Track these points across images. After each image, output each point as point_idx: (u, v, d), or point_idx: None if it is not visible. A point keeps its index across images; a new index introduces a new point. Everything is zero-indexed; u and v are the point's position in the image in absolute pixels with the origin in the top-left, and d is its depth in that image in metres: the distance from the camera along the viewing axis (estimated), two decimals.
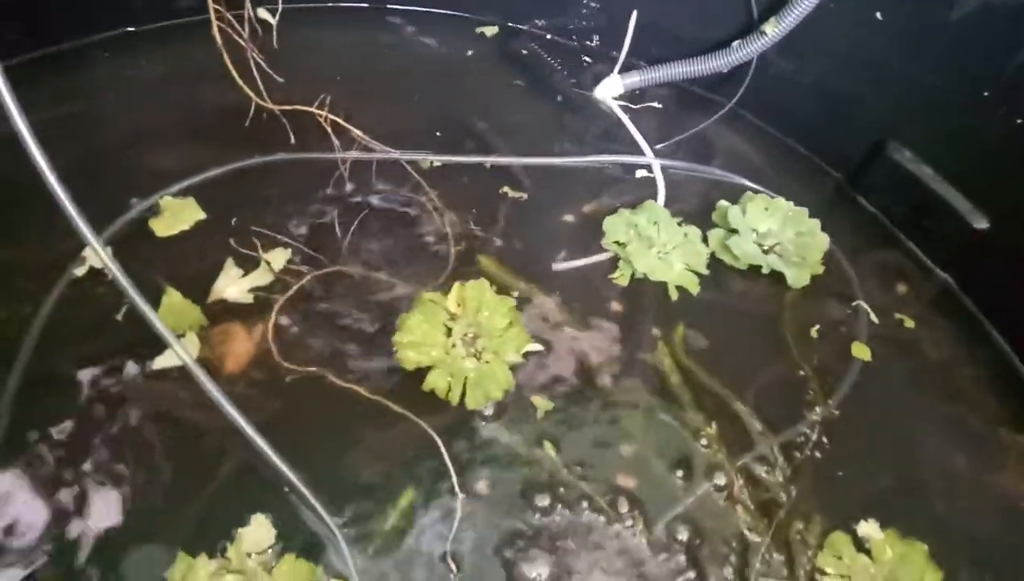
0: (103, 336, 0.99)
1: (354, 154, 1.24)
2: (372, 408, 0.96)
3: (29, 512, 0.84)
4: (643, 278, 1.17)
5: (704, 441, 0.99)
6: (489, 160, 1.33)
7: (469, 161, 1.31)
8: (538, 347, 1.05)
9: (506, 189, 1.28)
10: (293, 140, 1.22)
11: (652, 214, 1.22)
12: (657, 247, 1.18)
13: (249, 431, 0.88)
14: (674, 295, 1.16)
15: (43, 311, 1.01)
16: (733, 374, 1.07)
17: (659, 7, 1.46)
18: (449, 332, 0.99)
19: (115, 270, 0.89)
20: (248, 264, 1.09)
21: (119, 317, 1.01)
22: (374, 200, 1.22)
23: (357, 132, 1.26)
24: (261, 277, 1.08)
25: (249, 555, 0.83)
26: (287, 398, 0.97)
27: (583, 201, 1.31)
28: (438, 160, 1.30)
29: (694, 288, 1.17)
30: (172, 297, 1.02)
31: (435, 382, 0.96)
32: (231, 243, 1.11)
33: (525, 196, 1.28)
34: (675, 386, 1.05)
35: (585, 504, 0.92)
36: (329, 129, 1.25)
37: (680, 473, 0.96)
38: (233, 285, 1.06)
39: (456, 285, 1.03)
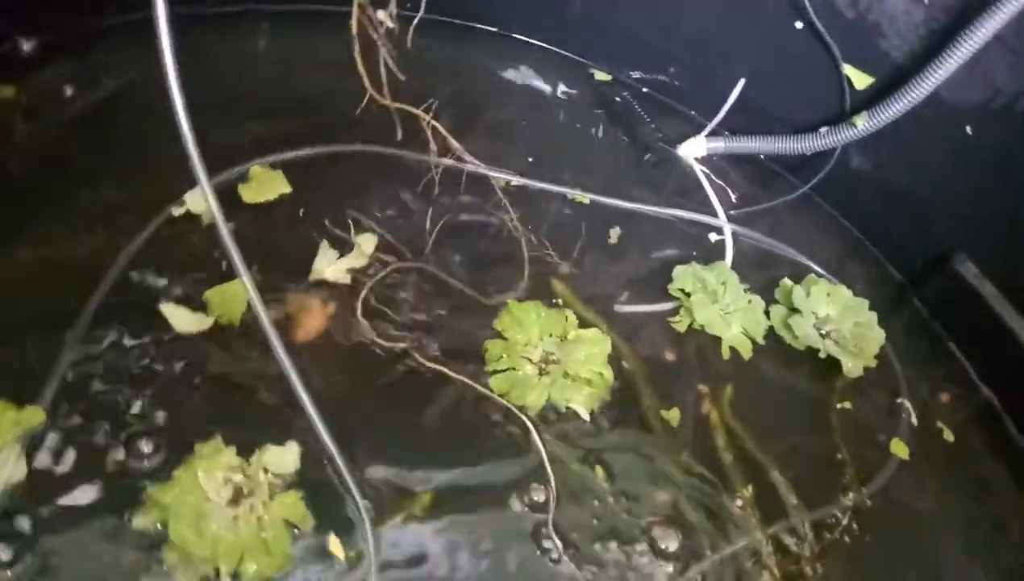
0: (187, 277, 1.04)
1: (448, 161, 1.29)
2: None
3: None
4: (699, 330, 1.20)
5: (739, 502, 1.01)
6: (571, 192, 1.37)
7: (552, 190, 1.36)
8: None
9: (582, 223, 1.32)
10: (400, 136, 1.27)
11: (721, 274, 1.25)
12: (721, 304, 1.21)
13: (304, 397, 0.90)
14: (726, 354, 1.19)
15: (129, 248, 1.06)
16: (774, 444, 1.09)
17: (754, 80, 1.51)
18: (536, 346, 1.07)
19: (217, 214, 0.91)
20: (343, 246, 1.14)
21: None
22: (459, 208, 1.27)
23: (454, 142, 1.30)
24: (356, 260, 1.12)
25: (266, 471, 0.89)
26: (352, 374, 1.01)
27: (652, 249, 1.35)
28: (524, 182, 1.34)
29: (747, 353, 1.20)
30: None
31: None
32: (325, 223, 1.16)
33: (598, 233, 1.32)
34: (718, 443, 1.07)
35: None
36: (430, 134, 1.29)
37: (711, 527, 0.98)
38: (331, 266, 1.10)
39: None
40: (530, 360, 1.07)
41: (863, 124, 1.38)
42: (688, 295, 1.22)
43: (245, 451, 0.90)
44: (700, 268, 1.26)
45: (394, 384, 1.03)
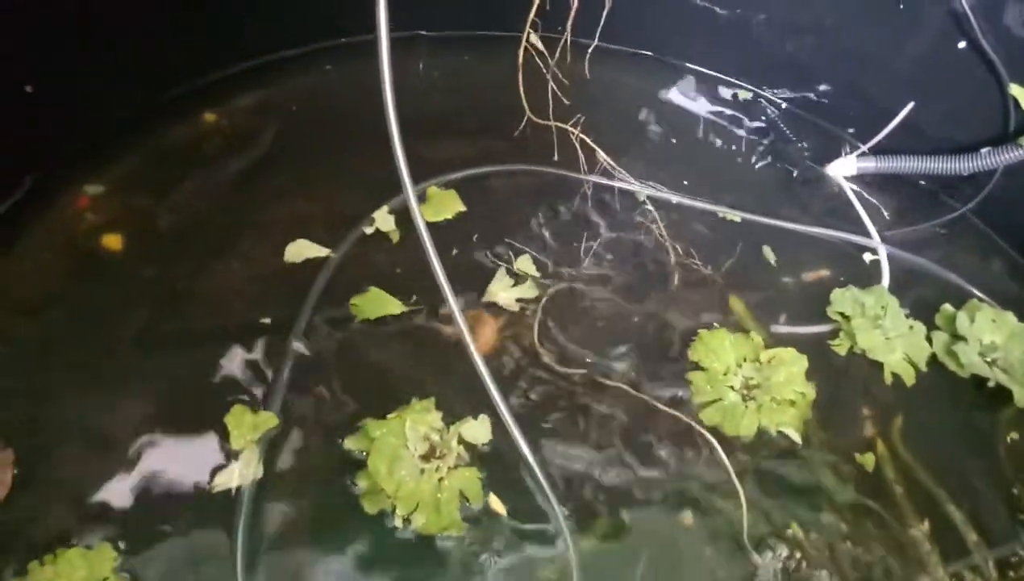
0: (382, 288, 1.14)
1: (599, 179, 1.33)
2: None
3: None
4: (859, 354, 1.19)
5: (916, 536, 1.00)
6: (721, 209, 1.39)
7: (703, 207, 1.38)
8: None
9: (733, 241, 1.34)
10: (556, 157, 1.32)
11: (881, 298, 1.25)
12: (882, 329, 1.20)
13: (501, 405, 0.97)
14: (888, 379, 1.18)
15: (330, 263, 1.15)
16: (946, 476, 1.07)
17: (911, 99, 1.48)
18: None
19: (421, 224, 0.97)
20: (516, 276, 1.20)
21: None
22: (613, 227, 1.31)
23: (603, 154, 1.34)
24: (528, 290, 1.18)
25: (460, 442, 0.99)
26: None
27: (803, 268, 1.35)
28: (675, 199, 1.37)
29: (910, 379, 1.19)
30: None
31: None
32: (490, 249, 1.22)
33: (749, 251, 1.33)
34: (888, 474, 1.07)
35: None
36: (579, 149, 1.34)
37: (891, 562, 0.98)
38: (504, 292, 1.16)
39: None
40: (733, 388, 1.11)
41: None
42: (847, 318, 1.21)
43: (449, 420, 1.00)
44: (859, 291, 1.26)
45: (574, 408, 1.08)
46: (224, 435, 0.96)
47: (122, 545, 0.86)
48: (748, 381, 1.11)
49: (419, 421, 0.97)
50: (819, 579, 0.95)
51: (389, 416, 0.97)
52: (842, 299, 1.24)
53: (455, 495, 0.95)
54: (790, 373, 1.11)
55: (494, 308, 1.16)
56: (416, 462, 0.94)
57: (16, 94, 1.08)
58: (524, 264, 1.21)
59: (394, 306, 1.12)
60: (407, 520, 0.92)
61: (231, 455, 0.95)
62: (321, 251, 1.16)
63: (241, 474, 0.93)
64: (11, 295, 1.06)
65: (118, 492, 0.91)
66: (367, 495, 0.93)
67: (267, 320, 1.08)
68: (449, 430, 0.99)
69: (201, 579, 0.86)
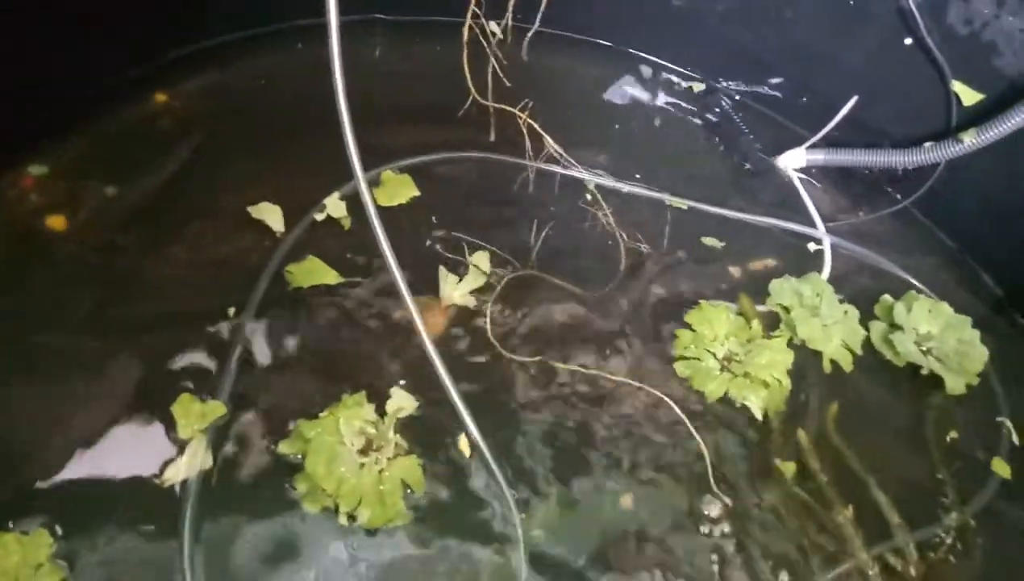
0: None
1: (541, 164, 1.34)
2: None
3: None
4: (799, 345, 1.23)
5: (840, 520, 1.04)
6: (667, 197, 1.41)
7: (649, 194, 1.40)
8: None
9: (679, 228, 1.37)
10: (494, 138, 1.33)
11: (816, 286, 1.28)
12: (820, 318, 1.24)
13: (448, 382, 0.98)
14: (827, 367, 1.22)
15: (280, 248, 1.15)
16: (873, 462, 1.12)
17: (857, 93, 1.51)
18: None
19: (372, 212, 0.97)
20: (457, 261, 1.21)
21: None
22: (558, 213, 1.32)
23: (551, 141, 1.35)
24: (475, 280, 1.19)
25: (396, 432, 0.99)
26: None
27: (749, 258, 1.38)
28: (622, 186, 1.39)
29: (848, 366, 1.23)
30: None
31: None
32: (442, 237, 1.23)
33: (693, 239, 1.36)
34: (815, 460, 1.10)
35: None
36: (526, 134, 1.34)
37: (816, 546, 1.02)
38: (455, 290, 1.17)
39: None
40: (714, 355, 1.17)
41: (971, 140, 1.38)
42: (787, 310, 1.25)
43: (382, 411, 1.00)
44: (796, 281, 1.30)
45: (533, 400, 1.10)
46: (171, 424, 0.95)
47: (60, 531, 0.86)
48: (731, 353, 1.17)
49: (353, 416, 0.96)
50: (748, 559, 0.98)
51: (321, 415, 0.97)
52: (781, 290, 1.28)
53: (397, 485, 0.95)
54: (774, 359, 1.15)
55: (454, 307, 1.17)
56: (354, 457, 0.94)
57: None
58: (478, 258, 1.22)
59: (330, 276, 1.12)
60: (352, 516, 0.91)
61: (178, 444, 0.95)
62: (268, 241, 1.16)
63: (188, 465, 0.93)
64: None
65: (58, 479, 0.90)
66: (307, 496, 0.92)
67: (215, 307, 1.08)
68: (384, 421, 0.99)
69: (144, 568, 0.86)
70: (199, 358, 1.03)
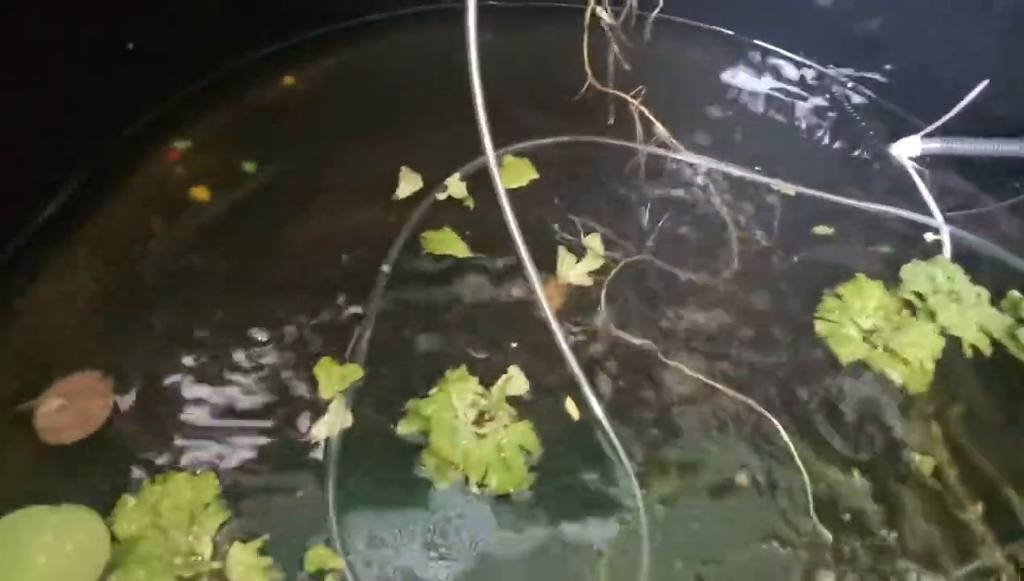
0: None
1: (655, 149, 1.35)
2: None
3: None
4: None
5: (970, 518, 1.02)
6: (777, 183, 1.40)
7: (760, 180, 1.39)
8: None
9: (790, 215, 1.35)
10: (612, 121, 1.35)
11: (946, 269, 1.25)
12: (959, 304, 1.21)
13: (573, 363, 1.01)
14: (968, 352, 1.19)
15: (407, 225, 1.19)
16: (1003, 460, 1.08)
17: (977, 81, 1.47)
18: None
19: (501, 191, 1.01)
20: (575, 249, 1.23)
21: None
22: (670, 195, 1.33)
23: (661, 129, 1.36)
24: (593, 262, 1.21)
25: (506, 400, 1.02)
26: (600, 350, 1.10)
27: (862, 246, 1.36)
28: (737, 172, 1.39)
29: (987, 349, 1.19)
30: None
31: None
32: (555, 219, 1.25)
33: (805, 226, 1.35)
34: (944, 456, 1.08)
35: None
36: (637, 120, 1.36)
37: (945, 544, 1.00)
38: (573, 271, 1.19)
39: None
40: (858, 324, 1.17)
41: None
42: (922, 297, 1.22)
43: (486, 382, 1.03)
44: (926, 265, 1.26)
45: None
46: (313, 385, 1.01)
47: (225, 479, 0.92)
48: (876, 327, 1.17)
49: (462, 390, 1.00)
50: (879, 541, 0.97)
51: (431, 392, 1.00)
52: (914, 276, 1.24)
53: (517, 451, 0.97)
54: (920, 342, 1.14)
55: (571, 287, 1.19)
56: (471, 429, 0.97)
57: (119, 51, 1.13)
58: (592, 241, 1.24)
59: (460, 249, 1.16)
60: (482, 485, 0.94)
61: (321, 405, 1.00)
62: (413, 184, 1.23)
63: (330, 423, 0.98)
64: (109, 240, 1.12)
65: (216, 426, 0.96)
66: (437, 472, 0.95)
67: (345, 276, 1.13)
68: (491, 392, 1.02)
69: (296, 513, 0.91)
70: (333, 324, 1.08)
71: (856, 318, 1.18)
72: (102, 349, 1.01)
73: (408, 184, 1.23)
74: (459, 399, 0.99)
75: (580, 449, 1.01)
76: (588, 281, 1.19)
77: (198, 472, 0.92)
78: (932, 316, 1.19)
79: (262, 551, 0.87)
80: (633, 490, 0.97)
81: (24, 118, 1.04)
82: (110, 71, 1.15)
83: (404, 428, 0.99)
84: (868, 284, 1.21)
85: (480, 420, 0.99)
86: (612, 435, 1.00)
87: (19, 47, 1.01)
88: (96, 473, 0.92)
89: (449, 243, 1.16)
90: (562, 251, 1.21)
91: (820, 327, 1.18)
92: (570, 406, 1.04)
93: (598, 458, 1.00)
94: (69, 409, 0.95)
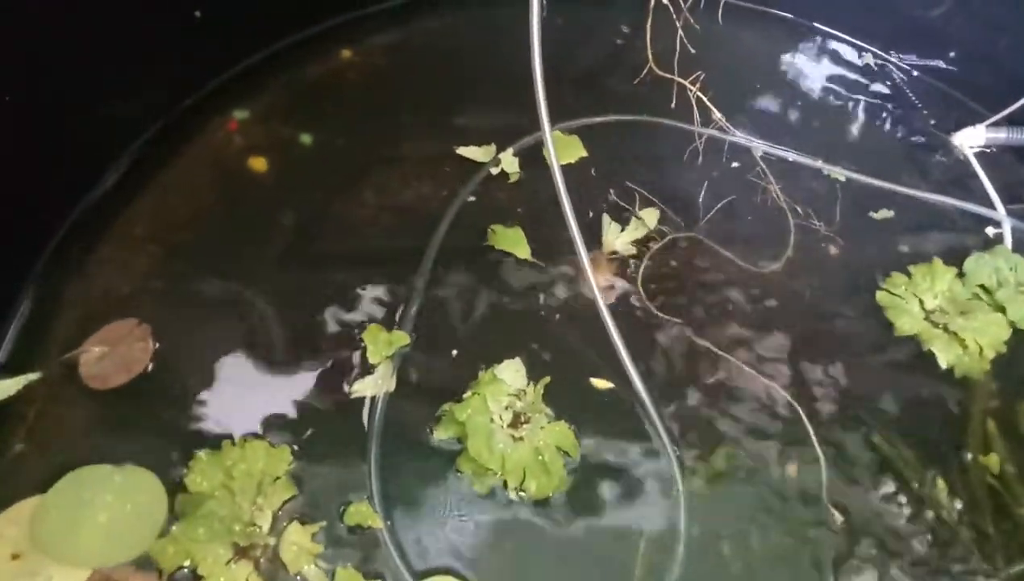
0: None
1: (715, 132, 1.34)
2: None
3: None
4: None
5: None
6: (838, 170, 1.37)
7: (817, 166, 1.37)
8: None
9: (846, 202, 1.33)
10: (674, 104, 1.33)
11: (1009, 259, 1.21)
12: None
13: (620, 345, 1.00)
14: None
15: (459, 197, 1.19)
16: None
17: None
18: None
19: (557, 170, 1.00)
20: (623, 214, 1.22)
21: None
22: (726, 180, 1.31)
23: (717, 113, 1.35)
24: (637, 231, 1.20)
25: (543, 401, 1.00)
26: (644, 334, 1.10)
27: (920, 234, 1.33)
28: (792, 156, 1.37)
29: None
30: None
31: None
32: (609, 193, 1.25)
33: (860, 212, 1.32)
34: (1003, 450, 1.05)
35: None
36: (695, 104, 1.34)
37: (1000, 536, 0.97)
38: (617, 238, 1.19)
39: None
40: (922, 302, 1.17)
41: None
42: (988, 291, 1.18)
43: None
44: (989, 256, 1.23)
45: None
46: (362, 351, 1.02)
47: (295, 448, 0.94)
48: (940, 308, 1.16)
49: (496, 392, 0.97)
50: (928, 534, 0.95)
51: (465, 396, 0.97)
52: (978, 269, 1.21)
53: (555, 453, 0.95)
54: (985, 328, 1.12)
55: (615, 257, 1.19)
56: (507, 431, 0.95)
57: (187, 19, 1.15)
58: (646, 214, 1.23)
59: (523, 250, 1.15)
60: (520, 490, 0.93)
61: (368, 368, 1.01)
62: (484, 154, 1.25)
63: (375, 385, 0.99)
64: (168, 207, 1.14)
65: (260, 382, 0.99)
66: (475, 477, 0.94)
67: (399, 247, 1.14)
68: (527, 392, 1.00)
69: (338, 469, 0.93)
70: (384, 295, 1.09)
71: (921, 296, 1.17)
72: (155, 308, 1.03)
73: (480, 153, 1.25)
74: (494, 401, 0.96)
75: (619, 434, 1.00)
76: (632, 250, 1.19)
77: (276, 445, 0.93)
78: (1002, 310, 1.16)
79: (317, 537, 0.88)
80: (674, 474, 0.97)
81: (86, 85, 1.06)
82: (177, 39, 1.17)
83: (440, 434, 0.96)
84: (941, 268, 1.18)
85: (516, 422, 0.97)
86: (655, 418, 0.99)
87: (87, 9, 1.02)
88: (146, 421, 0.94)
89: (515, 242, 1.15)
90: (607, 218, 1.20)
91: (881, 297, 1.17)
92: (601, 384, 1.04)
93: (638, 442, 1.00)
94: (111, 355, 0.97)
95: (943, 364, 1.11)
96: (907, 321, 1.14)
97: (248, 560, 0.85)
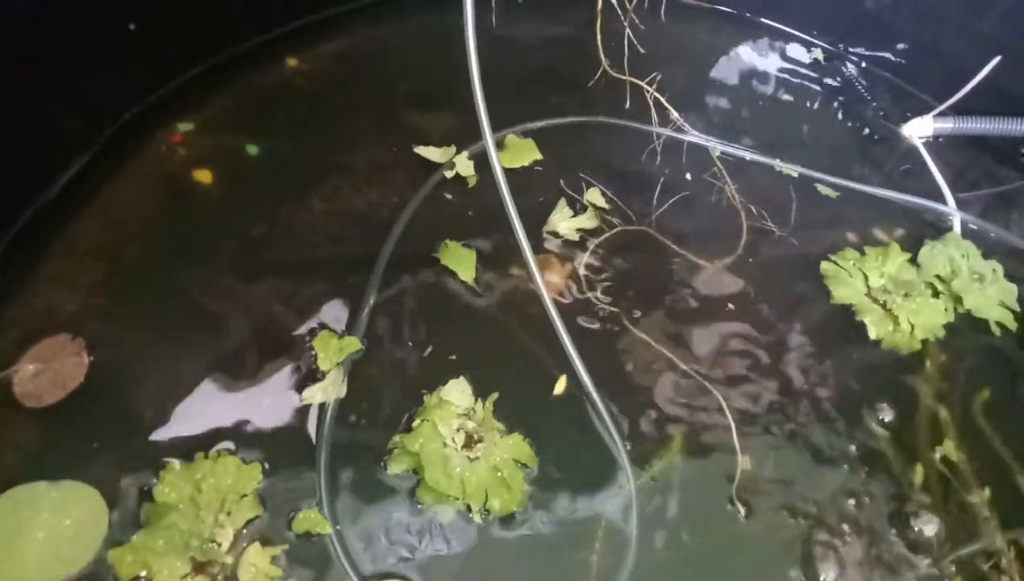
0: (455, 230, 1.17)
1: (669, 132, 1.34)
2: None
3: None
4: (961, 314, 1.18)
5: (974, 500, 1.00)
6: (791, 168, 1.38)
7: (768, 162, 1.38)
8: None
9: (798, 196, 1.34)
10: (628, 107, 1.34)
11: (959, 245, 1.23)
12: (981, 283, 1.19)
13: (569, 346, 0.99)
14: (996, 331, 1.17)
15: (412, 203, 1.19)
16: (1019, 445, 1.06)
17: (991, 58, 1.44)
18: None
19: (499, 172, 0.99)
20: (576, 206, 1.22)
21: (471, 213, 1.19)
22: (679, 178, 1.32)
23: (675, 114, 1.35)
24: (588, 221, 1.21)
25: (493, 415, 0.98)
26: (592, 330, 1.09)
27: (870, 225, 1.34)
28: (749, 155, 1.37)
29: (1012, 325, 1.17)
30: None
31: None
32: (561, 184, 1.25)
33: (810, 206, 1.33)
34: (952, 437, 1.06)
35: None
36: (652, 105, 1.35)
37: (950, 521, 0.98)
38: (564, 222, 1.19)
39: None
40: (867, 278, 1.20)
41: None
42: (944, 281, 1.20)
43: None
44: (940, 245, 1.24)
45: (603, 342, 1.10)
46: (313, 358, 1.00)
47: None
48: (885, 288, 1.18)
49: (445, 415, 0.95)
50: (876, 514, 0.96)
51: (413, 425, 0.95)
52: (932, 259, 1.22)
53: (514, 467, 0.93)
54: (921, 309, 1.15)
55: (554, 239, 1.19)
56: (462, 454, 0.93)
57: (121, 32, 1.13)
58: (593, 196, 1.24)
59: (468, 272, 1.12)
60: (486, 512, 0.91)
61: (319, 375, 1.00)
62: (443, 156, 1.24)
63: (326, 391, 0.98)
64: (113, 220, 1.12)
65: (219, 407, 0.96)
66: (438, 504, 0.91)
67: (349, 256, 1.12)
68: (476, 411, 0.97)
69: (288, 477, 0.92)
70: (335, 302, 1.07)
71: (868, 272, 1.19)
72: (98, 324, 1.01)
73: (438, 153, 1.24)
74: (445, 425, 0.94)
75: (571, 435, 1.00)
76: (575, 236, 1.19)
77: (247, 461, 0.91)
78: (959, 301, 1.17)
79: (277, 560, 0.86)
80: (624, 468, 0.97)
81: (25, 99, 1.04)
82: (113, 52, 1.15)
83: (394, 468, 0.92)
84: (897, 251, 1.21)
85: (470, 443, 0.94)
86: (605, 415, 0.99)
87: (19, 26, 1.01)
88: (85, 437, 0.91)
89: (461, 262, 1.12)
90: (562, 203, 1.20)
91: (826, 267, 1.20)
92: (559, 384, 1.03)
93: (590, 441, 0.99)
94: (45, 371, 0.95)
95: (872, 335, 1.14)
96: (845, 291, 1.17)
97: (205, 576, 0.83)
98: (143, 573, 0.82)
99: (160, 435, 0.93)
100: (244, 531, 0.87)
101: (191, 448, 0.91)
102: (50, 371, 0.95)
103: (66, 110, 1.13)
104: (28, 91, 1.04)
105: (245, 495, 0.88)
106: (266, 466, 0.91)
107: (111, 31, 1.13)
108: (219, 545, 0.85)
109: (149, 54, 1.20)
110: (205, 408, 0.96)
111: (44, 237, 1.09)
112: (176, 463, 0.89)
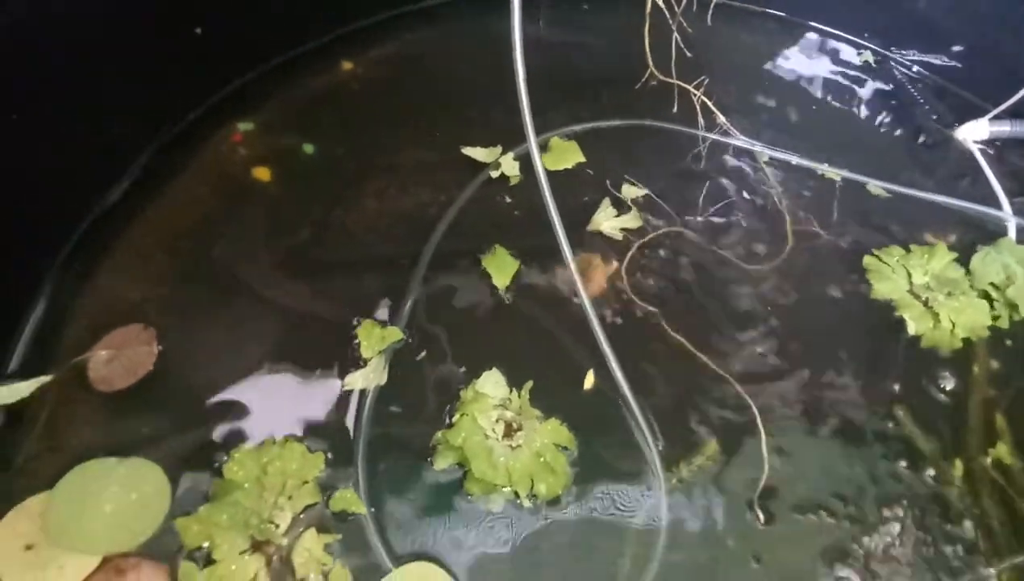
0: (499, 228, 1.20)
1: (714, 136, 1.35)
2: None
3: None
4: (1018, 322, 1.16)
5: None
6: (837, 172, 1.37)
7: (815, 166, 1.37)
8: None
9: (845, 201, 1.32)
10: (676, 110, 1.34)
11: (1014, 252, 1.21)
12: None
13: (605, 345, 1.01)
14: None
15: (457, 202, 1.22)
16: None
17: None
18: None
19: (540, 170, 1.02)
20: (620, 206, 1.24)
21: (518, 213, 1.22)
22: (724, 181, 1.32)
23: (722, 118, 1.36)
24: (631, 221, 1.22)
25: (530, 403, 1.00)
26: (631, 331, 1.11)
27: (920, 229, 1.32)
28: (795, 160, 1.37)
29: None
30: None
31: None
32: (607, 185, 1.26)
33: (858, 211, 1.32)
34: (1007, 442, 1.04)
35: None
36: (699, 109, 1.35)
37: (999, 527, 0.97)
38: (608, 221, 1.20)
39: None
40: (911, 275, 1.19)
41: None
42: (999, 288, 1.18)
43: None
44: (994, 251, 1.22)
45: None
46: (356, 347, 1.04)
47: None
48: (927, 286, 1.17)
49: (482, 407, 0.97)
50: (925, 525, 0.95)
51: (453, 419, 0.98)
52: (985, 267, 1.20)
53: (555, 451, 0.96)
54: (964, 309, 1.14)
55: (598, 238, 1.20)
56: (504, 443, 0.95)
57: (188, 35, 1.20)
58: (638, 197, 1.26)
59: (503, 280, 1.15)
60: (534, 496, 0.93)
61: (361, 362, 1.04)
62: (489, 156, 1.27)
63: (367, 378, 1.01)
64: (175, 216, 1.18)
65: (272, 395, 1.01)
66: (487, 495, 0.94)
67: (397, 253, 1.16)
68: (512, 400, 1.00)
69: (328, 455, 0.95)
70: (381, 296, 1.11)
71: (912, 270, 1.18)
72: (161, 314, 1.07)
73: (484, 153, 1.27)
74: (483, 417, 0.96)
75: (603, 430, 1.01)
76: (619, 236, 1.21)
77: (313, 451, 0.95)
78: (1015, 309, 1.16)
79: (329, 548, 0.89)
80: (655, 467, 0.98)
81: (94, 98, 1.09)
82: (179, 55, 1.21)
83: (440, 463, 0.95)
84: (943, 251, 1.20)
85: (509, 432, 0.97)
86: (637, 413, 1.00)
87: (92, 28, 1.07)
88: (150, 420, 0.97)
89: (500, 269, 1.15)
90: (606, 202, 1.22)
91: (869, 261, 1.20)
92: (588, 380, 1.05)
93: (622, 437, 1.01)
94: (118, 358, 1.01)
95: (911, 330, 1.13)
96: (886, 286, 1.17)
97: (262, 555, 0.87)
98: (205, 544, 0.87)
99: (221, 419, 0.98)
100: (301, 516, 0.91)
101: (251, 433, 0.96)
102: (123, 358, 1.01)
103: (131, 112, 1.19)
104: (97, 93, 1.10)
105: (306, 481, 0.92)
106: (330, 456, 0.95)
107: (179, 35, 1.20)
108: (277, 527, 0.89)
109: (213, 57, 1.26)
110: (264, 396, 1.00)
111: (111, 232, 1.15)
112: (247, 444, 0.94)
